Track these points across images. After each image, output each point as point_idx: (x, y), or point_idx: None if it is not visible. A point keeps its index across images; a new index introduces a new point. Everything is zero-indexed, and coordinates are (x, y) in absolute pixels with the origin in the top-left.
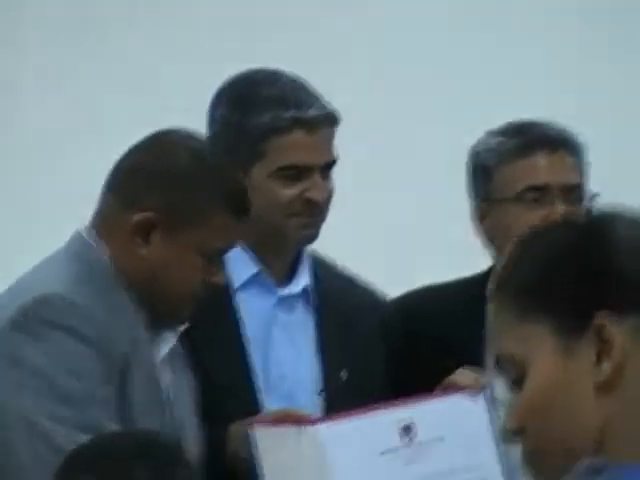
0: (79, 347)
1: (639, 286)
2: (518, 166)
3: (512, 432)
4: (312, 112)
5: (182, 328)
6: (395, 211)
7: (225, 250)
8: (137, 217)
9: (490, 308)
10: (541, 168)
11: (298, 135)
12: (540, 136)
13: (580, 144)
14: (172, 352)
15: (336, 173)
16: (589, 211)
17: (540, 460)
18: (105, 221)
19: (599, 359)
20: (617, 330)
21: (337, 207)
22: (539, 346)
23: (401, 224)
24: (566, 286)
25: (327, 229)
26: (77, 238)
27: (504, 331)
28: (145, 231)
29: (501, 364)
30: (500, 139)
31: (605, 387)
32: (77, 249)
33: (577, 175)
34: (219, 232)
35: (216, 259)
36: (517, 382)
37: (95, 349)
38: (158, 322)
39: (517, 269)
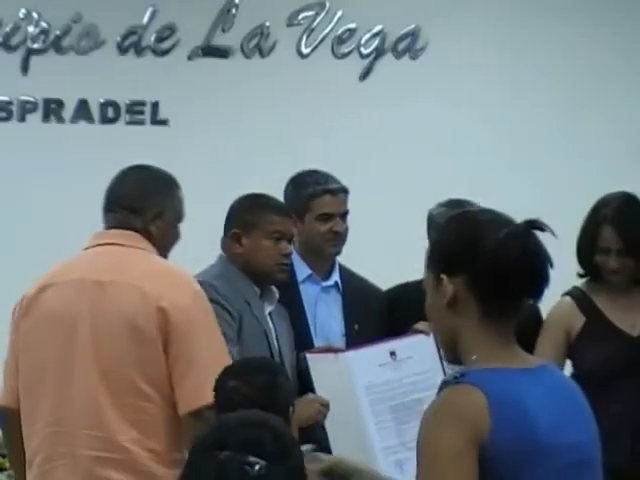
0: (218, 309)
1: (460, 256)
2: None
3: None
4: (333, 186)
5: (277, 297)
6: (388, 236)
7: (281, 232)
8: (231, 234)
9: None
10: None
11: (327, 198)
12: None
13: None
14: (276, 311)
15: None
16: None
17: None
18: (222, 242)
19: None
20: (450, 281)
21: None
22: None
23: (392, 244)
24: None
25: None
26: (220, 255)
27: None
28: (237, 240)
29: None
30: (445, 209)
31: (448, 306)
32: (218, 259)
33: None
34: (273, 224)
35: (280, 240)
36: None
37: (226, 310)
38: (263, 288)
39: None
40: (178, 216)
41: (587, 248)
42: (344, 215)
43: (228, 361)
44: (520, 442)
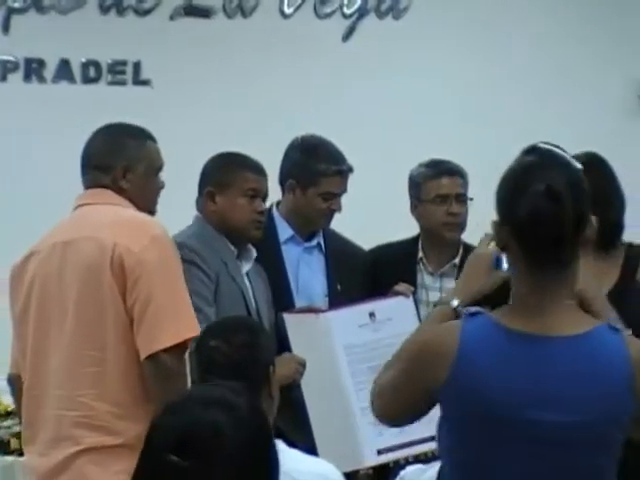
0: (194, 269)
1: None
2: (433, 183)
3: None
4: (344, 167)
5: (255, 256)
6: (370, 203)
7: (256, 190)
8: (205, 192)
9: None
10: (445, 185)
11: (337, 179)
12: (444, 168)
13: (465, 172)
14: (254, 270)
15: None
16: None
17: None
18: (197, 202)
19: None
20: (500, 229)
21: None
22: None
23: (374, 211)
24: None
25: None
26: (196, 216)
27: None
28: (212, 198)
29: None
30: (425, 168)
31: (503, 251)
32: (194, 220)
33: (463, 188)
34: (247, 182)
35: (254, 198)
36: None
37: (202, 270)
38: (238, 247)
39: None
40: (153, 167)
41: None
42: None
43: (187, 306)
44: (469, 403)
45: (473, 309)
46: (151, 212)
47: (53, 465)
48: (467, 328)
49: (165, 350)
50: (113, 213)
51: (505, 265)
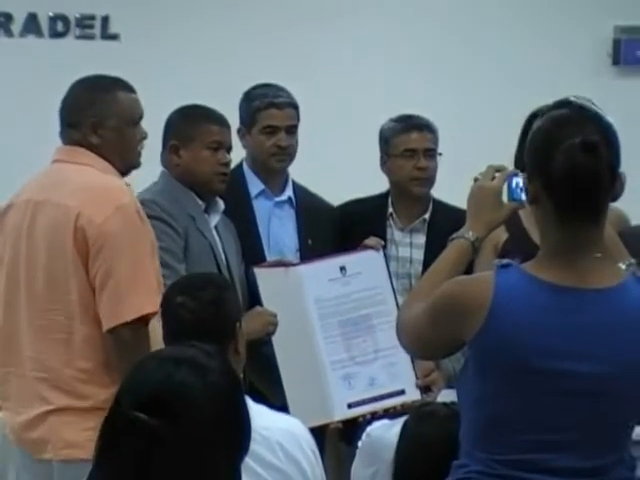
0: (162, 226)
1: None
2: (402, 138)
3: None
4: (279, 99)
5: (223, 208)
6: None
7: (219, 142)
8: (169, 146)
9: None
10: (413, 139)
11: (273, 111)
12: (414, 122)
13: (435, 127)
14: (222, 223)
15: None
16: None
17: None
18: (162, 156)
19: None
20: (531, 183)
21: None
22: None
23: (344, 160)
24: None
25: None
26: (162, 172)
27: None
28: (176, 152)
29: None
30: (394, 123)
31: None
32: (160, 175)
33: (432, 143)
34: (210, 134)
35: (218, 150)
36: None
37: (170, 226)
38: (205, 201)
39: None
40: (126, 119)
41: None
42: (290, 129)
43: (149, 281)
44: (503, 355)
45: (505, 261)
46: (133, 165)
47: (25, 422)
48: (500, 280)
49: (126, 324)
50: (83, 178)
51: (520, 193)
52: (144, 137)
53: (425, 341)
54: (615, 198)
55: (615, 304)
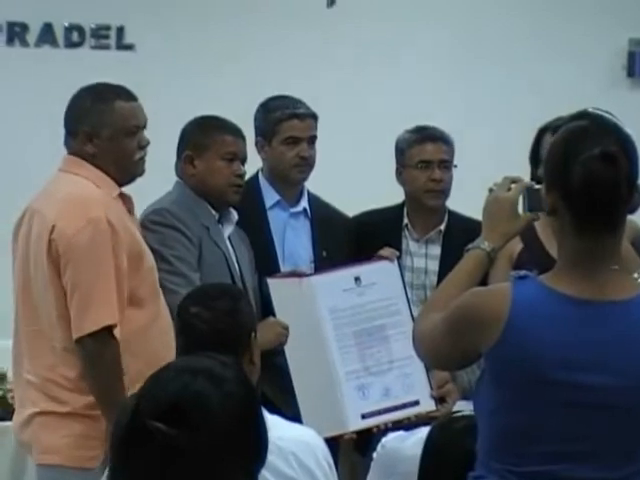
0: (177, 235)
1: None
2: (416, 149)
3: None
4: (301, 110)
5: (236, 219)
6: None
7: (234, 153)
8: (184, 156)
9: None
10: (428, 151)
11: (294, 122)
12: (429, 134)
13: (450, 138)
14: (236, 234)
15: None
16: None
17: None
18: (176, 166)
19: None
20: (549, 194)
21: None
22: None
23: (360, 171)
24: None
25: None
26: (176, 182)
27: None
28: (190, 162)
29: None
30: (409, 134)
31: (549, 215)
32: (175, 185)
33: (447, 155)
34: (225, 145)
35: (233, 161)
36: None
37: (185, 235)
38: (219, 212)
39: None
40: (123, 129)
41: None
42: (311, 140)
43: (108, 294)
44: (520, 366)
45: (522, 272)
46: (132, 174)
47: (19, 422)
48: (518, 292)
49: (89, 335)
50: (66, 189)
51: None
52: (145, 145)
53: (441, 352)
54: (633, 210)
55: (633, 316)
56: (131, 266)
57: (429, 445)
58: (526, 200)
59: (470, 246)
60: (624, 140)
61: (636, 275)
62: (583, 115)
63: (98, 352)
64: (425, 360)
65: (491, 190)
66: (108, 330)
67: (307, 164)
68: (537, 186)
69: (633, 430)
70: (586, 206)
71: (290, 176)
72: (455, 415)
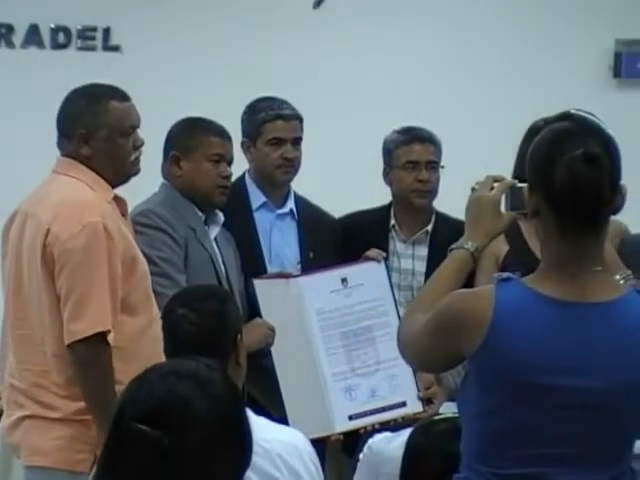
0: (163, 237)
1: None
2: (404, 150)
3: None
4: (285, 111)
5: (222, 221)
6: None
7: (221, 155)
8: (170, 157)
9: None
10: (415, 151)
11: (278, 123)
12: (416, 134)
13: (438, 139)
14: (222, 235)
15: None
16: None
17: None
18: (162, 167)
19: None
20: (532, 195)
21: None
22: None
23: (347, 172)
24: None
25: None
26: (162, 183)
27: None
28: (177, 163)
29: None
30: (397, 135)
31: (532, 216)
32: (160, 187)
33: (435, 156)
34: (212, 147)
35: (219, 162)
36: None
37: (171, 237)
38: (205, 213)
39: None
40: (118, 129)
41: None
42: (296, 141)
43: (102, 299)
44: (503, 370)
45: (505, 275)
46: (127, 174)
47: (7, 424)
48: (501, 295)
49: (81, 340)
50: (61, 193)
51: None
52: (140, 145)
53: (425, 354)
54: (616, 211)
55: (616, 319)
56: (124, 272)
57: (410, 448)
58: (509, 199)
59: (454, 246)
60: (607, 141)
61: (618, 277)
62: (566, 116)
63: (90, 358)
64: (409, 361)
65: (474, 189)
66: (101, 336)
67: (291, 165)
68: (520, 185)
69: (617, 432)
70: (569, 207)
71: (274, 177)
72: (436, 418)
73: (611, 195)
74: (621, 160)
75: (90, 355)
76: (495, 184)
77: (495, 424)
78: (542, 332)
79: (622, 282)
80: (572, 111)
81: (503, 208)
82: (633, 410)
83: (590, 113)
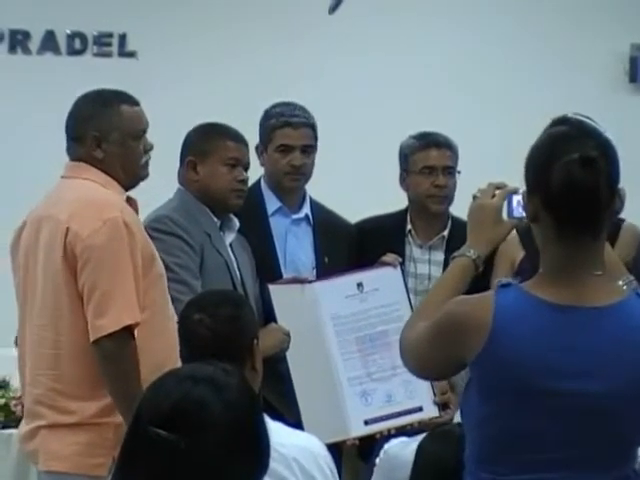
0: (179, 243)
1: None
2: (420, 155)
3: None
4: (295, 118)
5: (238, 226)
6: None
7: (237, 159)
8: (187, 161)
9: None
10: (432, 157)
11: (287, 130)
12: (433, 140)
13: (454, 144)
14: (237, 241)
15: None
16: None
17: None
18: (179, 173)
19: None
20: (530, 199)
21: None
22: None
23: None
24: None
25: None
26: (178, 189)
27: None
28: (193, 167)
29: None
30: (413, 140)
31: (531, 222)
32: (176, 192)
33: (451, 161)
34: (228, 151)
35: (235, 167)
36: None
37: (186, 243)
38: (221, 219)
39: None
40: (130, 132)
41: None
42: (305, 149)
43: (129, 293)
44: (504, 375)
45: (505, 280)
46: (138, 178)
47: (24, 432)
48: (501, 300)
49: (108, 335)
50: (77, 193)
51: (520, 210)
52: (150, 149)
53: (426, 361)
54: (615, 214)
55: (616, 323)
56: (144, 268)
57: (420, 455)
58: (510, 206)
59: (456, 253)
60: (604, 145)
61: (621, 282)
62: (563, 120)
63: (117, 353)
64: (410, 368)
65: (475, 197)
66: (127, 330)
67: (300, 173)
68: (521, 192)
69: (619, 435)
70: (567, 211)
71: (282, 184)
72: (447, 425)
73: (609, 198)
74: (619, 163)
75: (117, 350)
76: (497, 191)
77: (497, 429)
78: (542, 337)
79: (625, 287)
80: (569, 115)
81: (505, 215)
82: (634, 413)
83: (587, 117)
